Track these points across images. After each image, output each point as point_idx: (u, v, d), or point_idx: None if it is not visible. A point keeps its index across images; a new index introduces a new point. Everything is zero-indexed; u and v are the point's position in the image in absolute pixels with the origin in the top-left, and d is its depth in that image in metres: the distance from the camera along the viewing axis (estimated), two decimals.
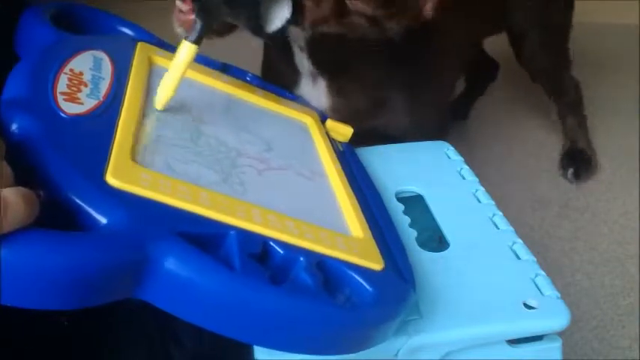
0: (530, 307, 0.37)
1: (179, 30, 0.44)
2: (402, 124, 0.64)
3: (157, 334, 0.46)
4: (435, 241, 0.46)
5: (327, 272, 0.32)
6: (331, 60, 0.59)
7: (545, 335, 0.38)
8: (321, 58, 0.58)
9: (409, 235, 0.43)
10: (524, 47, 0.95)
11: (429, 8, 0.50)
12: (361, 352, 0.34)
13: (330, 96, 0.60)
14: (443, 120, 0.74)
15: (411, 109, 0.64)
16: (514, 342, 0.37)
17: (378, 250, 0.36)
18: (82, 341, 0.44)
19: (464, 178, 0.50)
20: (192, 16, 0.40)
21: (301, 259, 0.31)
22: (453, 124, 1.18)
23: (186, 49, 0.39)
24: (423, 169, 0.50)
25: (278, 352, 0.32)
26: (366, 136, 0.59)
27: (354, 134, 0.54)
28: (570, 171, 1.03)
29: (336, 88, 0.60)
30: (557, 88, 1.03)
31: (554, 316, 0.37)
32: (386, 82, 0.62)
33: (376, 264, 0.34)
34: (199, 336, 0.46)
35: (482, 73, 1.16)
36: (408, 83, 0.64)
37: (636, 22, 1.54)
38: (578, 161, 1.04)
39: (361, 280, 0.32)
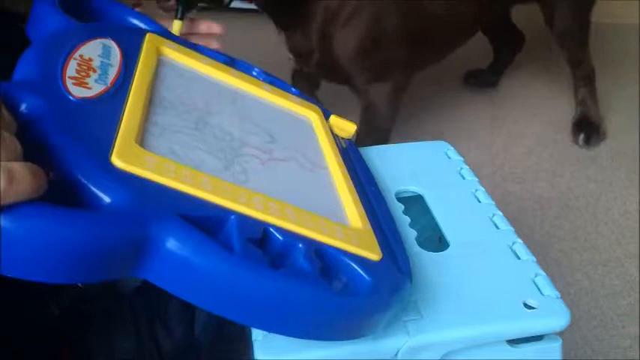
0: (530, 307, 0.37)
1: (162, 12, 0.61)
2: (343, 57, 0.86)
3: (146, 322, 0.46)
4: (435, 241, 0.46)
5: (325, 260, 0.32)
6: (282, 17, 0.88)
7: (545, 335, 0.38)
8: (274, 17, 0.89)
9: (409, 235, 0.43)
10: (555, 16, 1.11)
11: None
12: (361, 352, 0.34)
13: (288, 41, 0.91)
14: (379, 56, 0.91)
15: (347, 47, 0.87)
16: (514, 342, 0.37)
17: (376, 241, 0.36)
18: (71, 328, 0.44)
19: (464, 178, 0.50)
20: (172, 1, 0.59)
21: (300, 245, 0.31)
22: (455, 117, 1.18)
23: (176, 25, 0.57)
24: (423, 169, 0.50)
25: (278, 352, 0.33)
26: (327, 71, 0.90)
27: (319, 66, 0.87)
28: (581, 137, 1.16)
29: (290, 36, 0.90)
30: (577, 58, 1.17)
31: (554, 316, 0.37)
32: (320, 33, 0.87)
33: (374, 254, 0.35)
34: (188, 325, 0.46)
35: (510, 44, 1.30)
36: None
37: (636, 22, 1.54)
38: (588, 128, 1.16)
39: (358, 269, 0.33)
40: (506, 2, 1.12)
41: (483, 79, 1.33)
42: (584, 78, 1.18)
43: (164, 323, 0.46)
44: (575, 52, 1.16)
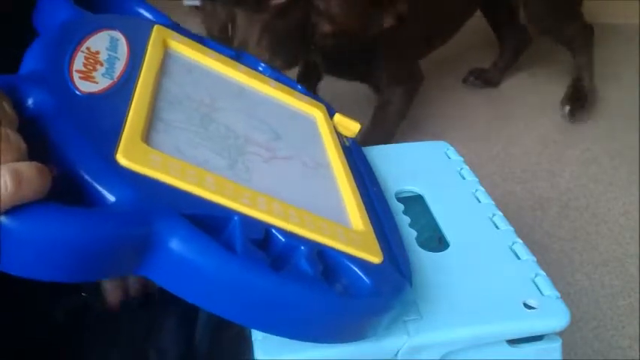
0: (530, 307, 0.37)
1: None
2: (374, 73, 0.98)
3: (138, 340, 0.46)
4: (435, 241, 0.46)
5: (326, 262, 0.32)
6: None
7: (545, 335, 0.38)
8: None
9: (409, 235, 0.43)
10: (530, 6, 1.12)
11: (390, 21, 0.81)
12: (361, 352, 0.34)
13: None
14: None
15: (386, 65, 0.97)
16: (514, 342, 0.37)
17: (377, 244, 0.36)
18: (63, 346, 0.44)
19: (464, 178, 0.50)
20: None
21: (302, 247, 0.31)
22: (452, 118, 1.18)
23: None
24: (423, 169, 0.50)
25: (278, 352, 0.33)
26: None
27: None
28: (567, 109, 1.17)
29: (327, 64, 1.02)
30: (562, 38, 1.19)
31: (554, 316, 0.37)
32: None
33: (375, 257, 0.35)
34: (182, 344, 0.46)
35: (516, 40, 1.30)
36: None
37: (636, 22, 1.54)
38: (575, 102, 1.17)
39: (359, 272, 0.33)
40: None
41: (485, 78, 1.33)
42: (577, 49, 1.19)
43: (156, 344, 0.46)
44: (556, 36, 1.18)
